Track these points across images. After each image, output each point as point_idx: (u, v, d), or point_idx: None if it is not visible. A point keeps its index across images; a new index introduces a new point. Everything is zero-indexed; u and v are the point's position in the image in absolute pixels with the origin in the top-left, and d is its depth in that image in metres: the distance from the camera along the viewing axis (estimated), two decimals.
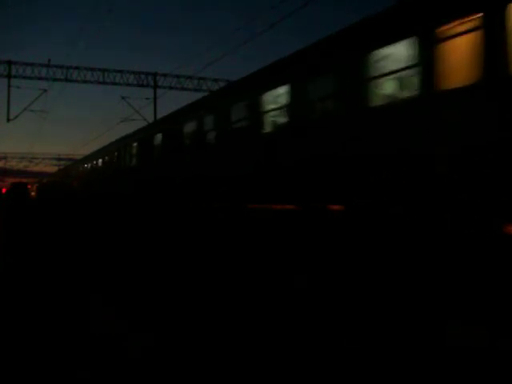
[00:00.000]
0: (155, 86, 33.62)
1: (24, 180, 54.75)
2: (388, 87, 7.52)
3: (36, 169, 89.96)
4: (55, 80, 31.52)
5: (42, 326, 4.70)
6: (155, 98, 33.77)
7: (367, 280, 6.61)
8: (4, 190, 46.48)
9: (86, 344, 4.18)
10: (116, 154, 24.00)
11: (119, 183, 22.89)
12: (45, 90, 32.31)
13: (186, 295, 6.01)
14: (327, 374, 3.54)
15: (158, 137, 17.27)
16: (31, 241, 11.92)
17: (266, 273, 7.42)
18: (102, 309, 5.41)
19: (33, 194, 46.69)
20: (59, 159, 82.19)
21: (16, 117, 32.73)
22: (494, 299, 5.32)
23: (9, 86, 31.20)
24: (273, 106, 10.18)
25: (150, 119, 33.23)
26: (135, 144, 20.47)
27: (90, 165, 32.17)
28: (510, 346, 4.07)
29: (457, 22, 6.07)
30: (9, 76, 30.68)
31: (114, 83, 32.56)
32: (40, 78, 31.28)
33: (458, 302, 5.35)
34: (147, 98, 34.08)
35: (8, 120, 32.08)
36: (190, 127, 14.37)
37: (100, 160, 28.40)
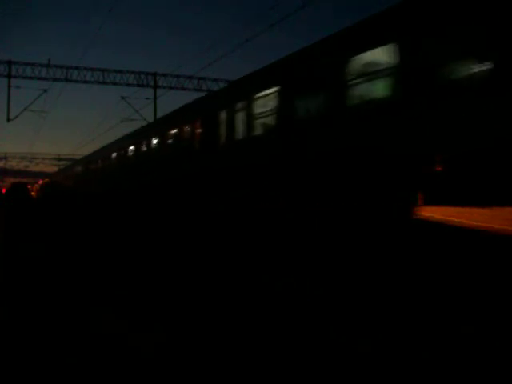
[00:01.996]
0: (155, 86, 33.62)
1: (24, 180, 54.81)
2: None
3: (36, 169, 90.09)
4: (55, 80, 31.54)
5: (43, 326, 4.70)
6: (155, 98, 33.78)
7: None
8: (4, 190, 46.48)
9: (85, 344, 4.17)
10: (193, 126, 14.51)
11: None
12: (45, 90, 32.37)
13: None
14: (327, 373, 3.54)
15: None
16: (32, 239, 11.92)
17: None
18: (102, 308, 5.41)
19: (33, 193, 46.75)
20: (59, 159, 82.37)
21: (16, 117, 32.78)
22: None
23: (9, 86, 31.25)
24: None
25: (150, 119, 33.25)
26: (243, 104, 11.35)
27: (127, 153, 22.57)
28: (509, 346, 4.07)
29: None
30: (9, 76, 30.69)
31: (114, 83, 32.56)
32: (40, 78, 31.29)
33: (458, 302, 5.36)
34: (147, 98, 34.12)
35: (8, 120, 32.10)
36: None
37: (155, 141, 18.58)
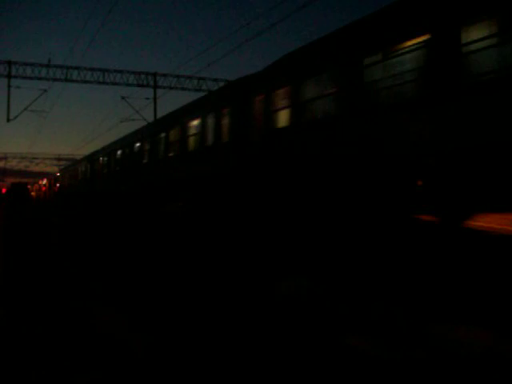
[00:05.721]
0: (155, 86, 33.62)
1: (24, 180, 54.90)
2: None
3: (36, 169, 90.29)
4: (55, 80, 31.53)
5: (43, 327, 4.70)
6: (155, 98, 33.77)
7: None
8: (4, 190, 46.53)
9: (86, 344, 4.17)
10: None
11: None
12: (45, 90, 32.36)
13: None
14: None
15: None
16: (32, 240, 11.92)
17: None
18: (102, 309, 5.40)
19: (33, 193, 46.87)
20: (59, 159, 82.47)
21: (16, 117, 32.77)
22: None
23: (9, 86, 31.23)
24: None
25: (150, 119, 33.25)
26: None
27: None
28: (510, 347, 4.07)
29: None
30: (9, 76, 30.68)
31: (114, 83, 32.56)
32: (40, 78, 31.28)
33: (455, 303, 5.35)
34: (147, 98, 34.11)
35: (8, 120, 32.10)
36: None
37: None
